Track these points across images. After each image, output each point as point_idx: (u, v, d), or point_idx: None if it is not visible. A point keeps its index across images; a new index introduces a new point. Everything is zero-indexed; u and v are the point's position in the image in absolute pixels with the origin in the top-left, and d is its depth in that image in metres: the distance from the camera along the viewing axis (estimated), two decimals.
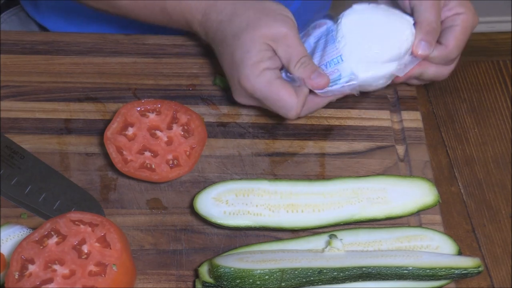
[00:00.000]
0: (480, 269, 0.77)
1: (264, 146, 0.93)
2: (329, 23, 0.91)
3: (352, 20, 0.89)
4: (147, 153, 0.86)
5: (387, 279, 0.77)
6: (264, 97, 0.86)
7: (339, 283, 0.77)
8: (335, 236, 0.80)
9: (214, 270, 0.75)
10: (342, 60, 0.87)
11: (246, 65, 0.85)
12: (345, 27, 0.89)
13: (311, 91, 0.87)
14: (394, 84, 0.95)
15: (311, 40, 0.92)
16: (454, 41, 0.91)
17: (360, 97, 0.99)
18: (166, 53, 1.02)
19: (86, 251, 0.74)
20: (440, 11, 0.91)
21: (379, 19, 0.90)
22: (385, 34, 0.88)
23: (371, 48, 0.88)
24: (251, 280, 0.74)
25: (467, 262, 0.77)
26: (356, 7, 0.90)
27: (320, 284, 0.76)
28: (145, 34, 1.04)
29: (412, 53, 0.89)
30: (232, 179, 0.88)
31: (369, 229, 0.82)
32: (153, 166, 0.85)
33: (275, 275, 0.75)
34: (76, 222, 0.75)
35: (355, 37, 0.88)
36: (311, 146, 0.93)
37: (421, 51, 0.89)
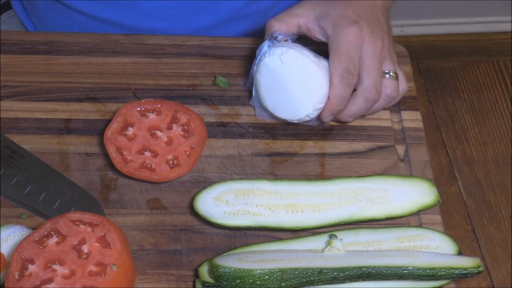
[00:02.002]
0: (480, 269, 0.77)
1: (264, 146, 0.93)
2: (264, 47, 0.91)
3: (265, 72, 0.89)
4: (147, 153, 0.86)
5: (387, 279, 0.77)
6: None
7: (339, 283, 0.77)
8: (335, 236, 0.80)
9: (214, 270, 0.75)
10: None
11: None
12: (260, 76, 0.90)
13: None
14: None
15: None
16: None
17: None
18: (166, 53, 1.02)
19: (86, 251, 0.74)
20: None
21: (289, 81, 0.88)
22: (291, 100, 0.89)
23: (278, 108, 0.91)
24: (251, 280, 0.75)
25: (467, 262, 0.77)
26: (269, 61, 0.88)
27: (320, 284, 0.76)
28: (145, 34, 1.04)
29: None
30: (232, 179, 0.88)
31: (369, 229, 0.82)
32: (153, 166, 0.85)
33: (275, 275, 0.75)
34: (76, 222, 0.75)
35: (265, 87, 0.91)
36: (311, 146, 0.93)
37: (325, 119, 0.90)
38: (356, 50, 0.86)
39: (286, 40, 0.91)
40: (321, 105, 0.88)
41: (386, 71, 0.90)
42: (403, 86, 0.93)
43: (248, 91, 0.98)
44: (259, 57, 0.90)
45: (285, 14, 0.93)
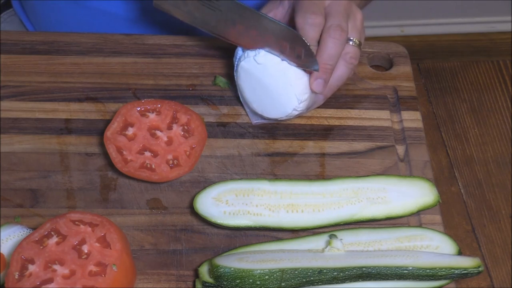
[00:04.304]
0: (480, 269, 0.77)
1: (264, 146, 0.93)
2: (238, 52, 0.91)
3: (245, 76, 0.90)
4: (147, 153, 0.86)
5: (387, 279, 0.77)
6: None
7: (339, 283, 0.77)
8: (335, 236, 0.80)
9: (214, 270, 0.75)
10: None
11: None
12: (241, 81, 0.91)
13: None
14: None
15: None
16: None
17: (360, 97, 0.99)
18: (166, 53, 1.02)
19: (86, 251, 0.74)
20: (344, 43, 0.88)
21: (267, 83, 0.89)
22: (272, 103, 0.90)
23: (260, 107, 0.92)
24: (251, 280, 0.75)
25: (467, 262, 0.77)
26: (245, 64, 0.88)
27: (320, 284, 0.76)
28: (145, 34, 1.04)
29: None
30: (232, 179, 0.88)
31: (369, 229, 0.82)
32: (153, 166, 0.85)
33: (275, 275, 0.75)
34: (76, 222, 0.75)
35: (248, 91, 0.91)
36: (311, 146, 0.93)
37: (316, 88, 0.88)
38: (319, 5, 0.88)
39: None
40: (305, 96, 0.88)
41: (351, 38, 0.90)
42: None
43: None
44: (236, 63, 0.90)
45: None
